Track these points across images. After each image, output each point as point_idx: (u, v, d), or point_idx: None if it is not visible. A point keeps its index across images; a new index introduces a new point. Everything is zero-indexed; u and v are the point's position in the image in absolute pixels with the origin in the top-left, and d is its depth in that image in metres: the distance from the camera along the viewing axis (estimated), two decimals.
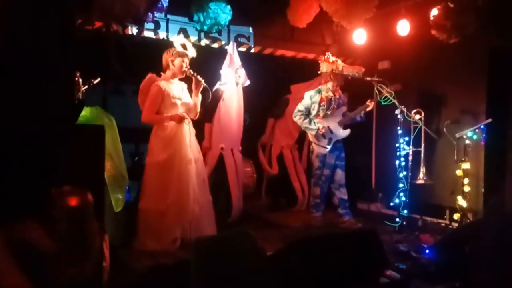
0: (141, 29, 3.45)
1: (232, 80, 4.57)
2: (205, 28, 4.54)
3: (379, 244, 2.78)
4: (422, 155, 4.40)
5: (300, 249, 2.51)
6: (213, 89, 4.44)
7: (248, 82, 4.70)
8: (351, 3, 4.26)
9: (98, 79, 3.60)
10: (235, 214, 4.59)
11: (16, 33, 2.11)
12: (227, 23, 4.60)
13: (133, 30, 4.05)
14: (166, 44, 3.97)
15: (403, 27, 4.79)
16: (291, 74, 5.84)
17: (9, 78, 2.05)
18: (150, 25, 4.50)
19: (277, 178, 5.55)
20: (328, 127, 4.61)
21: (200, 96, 3.86)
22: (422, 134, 4.39)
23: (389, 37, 5.01)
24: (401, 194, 4.47)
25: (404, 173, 4.48)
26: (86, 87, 3.38)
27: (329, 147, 4.60)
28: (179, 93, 3.82)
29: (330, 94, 4.65)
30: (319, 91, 4.67)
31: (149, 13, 3.42)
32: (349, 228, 4.52)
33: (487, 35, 4.18)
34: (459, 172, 4.30)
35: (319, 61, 4.72)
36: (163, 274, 2.93)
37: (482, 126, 4.21)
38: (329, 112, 4.65)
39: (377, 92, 4.50)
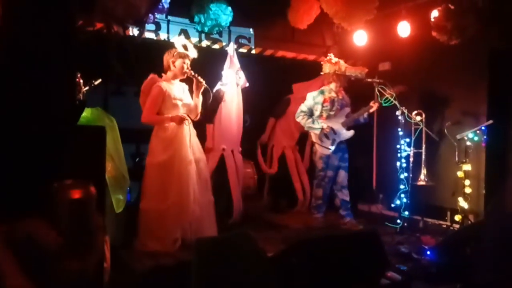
0: (142, 30, 3.46)
1: (233, 81, 4.58)
2: (206, 29, 4.55)
3: (380, 245, 2.77)
4: (423, 157, 4.40)
5: (301, 250, 2.50)
6: (214, 90, 4.45)
7: (247, 84, 4.70)
8: (351, 4, 4.26)
9: (99, 80, 3.60)
10: (236, 215, 4.58)
11: (17, 34, 2.12)
12: (227, 24, 4.61)
13: (134, 31, 4.06)
14: (167, 45, 3.98)
15: (404, 29, 4.80)
16: (291, 75, 5.84)
17: (10, 79, 2.05)
18: (151, 26, 4.51)
19: (279, 178, 5.54)
20: (331, 128, 4.60)
21: (201, 97, 3.86)
22: (423, 135, 4.39)
23: (390, 38, 5.01)
24: (402, 195, 4.47)
25: (405, 174, 4.48)
26: (87, 88, 3.39)
27: (332, 148, 4.60)
28: (180, 94, 3.82)
29: (333, 95, 4.64)
30: (322, 92, 4.67)
31: (150, 14, 3.42)
32: (350, 230, 4.51)
33: (488, 36, 4.19)
34: (460, 174, 4.30)
35: (322, 62, 4.71)
36: (164, 274, 2.93)
37: (483, 128, 4.20)
38: (332, 113, 4.64)
39: (378, 94, 4.50)
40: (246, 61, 4.93)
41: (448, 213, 4.64)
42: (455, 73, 4.64)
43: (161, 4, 3.61)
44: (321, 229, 4.57)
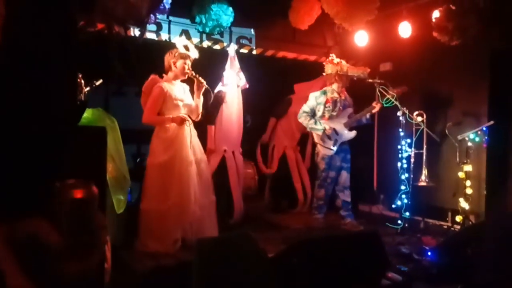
0: (143, 30, 3.46)
1: (234, 82, 4.58)
2: (207, 29, 4.55)
3: (380, 246, 2.77)
4: (424, 157, 4.39)
5: (301, 251, 2.50)
6: (216, 91, 4.45)
7: (247, 85, 4.71)
8: (352, 5, 4.26)
9: (100, 81, 3.61)
10: (237, 216, 4.59)
11: (18, 35, 2.12)
12: (229, 25, 4.61)
13: (135, 31, 4.06)
14: (168, 46, 3.98)
15: (405, 29, 4.79)
16: (292, 76, 5.84)
17: (11, 79, 2.05)
18: (152, 27, 4.51)
19: (280, 179, 5.55)
20: (333, 128, 4.60)
21: (201, 97, 3.87)
22: (424, 136, 4.39)
23: (391, 39, 5.01)
24: (403, 196, 4.46)
25: (406, 175, 4.47)
26: (88, 88, 3.39)
27: (334, 148, 4.59)
28: (181, 94, 3.83)
29: (336, 95, 4.64)
30: (325, 92, 4.67)
31: (151, 15, 3.42)
32: (351, 230, 4.51)
33: (489, 37, 4.18)
34: (461, 174, 4.29)
35: (324, 63, 4.71)
36: (165, 275, 2.93)
37: (484, 128, 4.20)
38: (334, 113, 4.64)
39: (379, 94, 4.49)
40: (247, 61, 4.93)
41: (449, 214, 4.64)
42: (456, 74, 4.64)
43: (162, 4, 3.62)
44: (321, 230, 4.57)
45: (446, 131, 4.42)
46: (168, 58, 3.80)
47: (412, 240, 4.09)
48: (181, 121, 3.70)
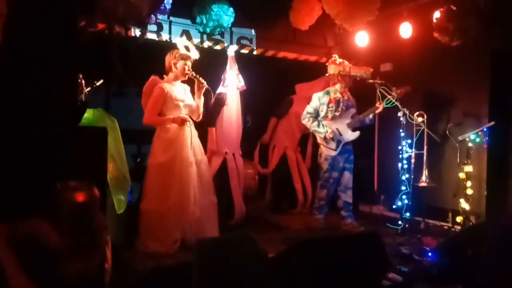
0: (144, 31, 3.46)
1: (234, 84, 4.59)
2: (208, 30, 4.55)
3: (381, 246, 2.77)
4: (425, 158, 4.39)
5: (302, 251, 2.50)
6: (217, 93, 4.46)
7: (244, 87, 4.71)
8: (353, 5, 4.26)
9: (101, 81, 3.61)
10: (238, 217, 4.59)
11: (19, 35, 2.12)
12: (229, 25, 4.61)
13: (136, 32, 4.06)
14: (169, 46, 3.98)
15: (406, 30, 4.79)
16: (293, 76, 5.84)
17: (12, 79, 2.06)
18: (153, 27, 4.51)
19: (280, 179, 5.55)
20: (337, 129, 4.59)
21: (202, 98, 3.87)
22: (425, 136, 4.38)
23: (392, 39, 5.01)
24: (404, 196, 4.46)
25: (407, 175, 4.47)
26: (88, 89, 3.40)
27: (338, 149, 4.58)
28: (182, 95, 3.83)
29: (339, 95, 4.63)
30: (328, 93, 4.66)
31: (152, 15, 3.42)
32: (351, 231, 4.51)
33: (490, 37, 4.18)
34: (461, 175, 4.28)
35: (327, 64, 4.70)
36: (165, 275, 2.93)
37: (485, 129, 4.20)
38: (337, 114, 4.63)
39: (380, 95, 4.49)
40: (247, 62, 4.93)
41: (450, 215, 4.63)
42: (457, 74, 4.63)
43: (163, 5, 3.62)
44: (322, 230, 4.57)
45: (447, 132, 4.42)
46: (168, 59, 3.81)
47: (412, 240, 4.09)
48: (181, 122, 3.70)
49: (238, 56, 4.87)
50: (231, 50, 4.67)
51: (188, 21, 4.75)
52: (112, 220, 3.26)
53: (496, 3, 4.00)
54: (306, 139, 5.68)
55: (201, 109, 3.89)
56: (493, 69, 4.34)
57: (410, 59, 4.92)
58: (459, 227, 4.26)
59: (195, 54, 3.80)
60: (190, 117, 3.84)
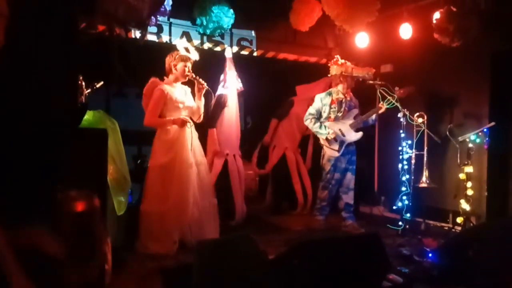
0: (144, 32, 3.46)
1: (234, 85, 4.59)
2: (208, 31, 4.56)
3: (381, 247, 2.76)
4: (425, 159, 4.39)
5: (302, 253, 2.50)
6: (217, 95, 4.46)
7: (242, 88, 4.71)
8: (353, 7, 4.26)
9: (101, 83, 3.61)
10: (238, 218, 4.60)
11: (19, 36, 2.12)
12: (229, 26, 4.62)
13: (136, 33, 4.07)
14: (169, 48, 3.99)
15: (406, 31, 4.79)
16: (293, 77, 5.85)
17: (12, 81, 2.06)
18: (153, 29, 4.52)
19: (281, 180, 5.55)
20: (340, 130, 4.58)
21: (203, 99, 3.87)
22: (425, 137, 4.38)
23: (392, 40, 5.01)
24: (404, 197, 4.46)
25: (407, 176, 4.47)
26: (89, 90, 3.40)
27: (341, 150, 4.57)
28: (182, 96, 3.83)
29: (341, 96, 4.62)
30: (330, 94, 4.65)
31: (152, 17, 3.43)
32: (352, 232, 4.50)
33: (490, 38, 4.18)
34: (462, 176, 4.28)
35: (329, 64, 4.70)
36: (165, 276, 2.93)
37: (485, 130, 4.19)
38: (340, 114, 4.61)
39: (380, 96, 4.49)
40: (247, 63, 4.93)
41: (450, 215, 4.63)
42: (457, 75, 4.63)
43: (163, 6, 3.63)
44: (322, 232, 4.57)
45: (447, 133, 4.41)
46: (168, 61, 3.81)
47: (413, 241, 4.08)
48: (182, 123, 3.70)
49: (238, 58, 4.87)
50: (229, 51, 4.67)
51: (188, 23, 4.76)
52: (112, 221, 3.26)
53: (497, 4, 4.01)
54: (307, 140, 5.68)
55: (202, 111, 3.89)
56: (493, 70, 4.34)
57: (410, 60, 4.93)
58: (459, 228, 4.25)
59: (195, 56, 3.80)
60: (191, 118, 3.84)
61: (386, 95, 4.43)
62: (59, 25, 2.28)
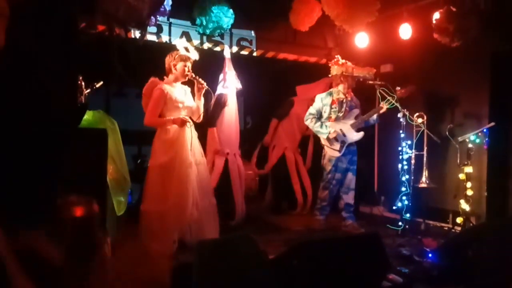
0: (143, 32, 3.46)
1: (234, 85, 4.60)
2: (208, 31, 4.56)
3: (381, 248, 2.76)
4: (425, 159, 4.39)
5: (302, 253, 2.50)
6: (217, 94, 4.47)
7: (240, 87, 4.72)
8: (353, 7, 4.26)
9: (101, 83, 3.61)
10: (238, 218, 4.59)
11: (19, 36, 2.12)
12: (229, 26, 4.62)
13: (135, 33, 4.07)
14: (169, 48, 3.99)
15: (405, 31, 4.80)
16: (293, 77, 5.85)
17: (12, 81, 2.05)
18: (153, 29, 4.52)
19: (280, 180, 5.55)
20: (340, 130, 4.58)
21: (202, 99, 3.87)
22: (425, 137, 4.38)
23: (391, 40, 5.01)
24: (404, 197, 4.46)
25: (407, 176, 4.47)
26: (88, 90, 3.40)
27: (342, 150, 4.56)
28: (182, 96, 3.83)
29: (342, 96, 4.61)
30: (330, 94, 4.65)
31: (152, 17, 3.43)
32: (351, 232, 4.50)
33: (490, 38, 4.18)
34: (462, 176, 4.28)
35: (330, 64, 4.70)
36: (165, 277, 2.92)
37: (485, 130, 4.19)
38: (340, 115, 4.60)
39: (380, 96, 4.49)
40: (247, 63, 4.93)
41: (450, 215, 4.63)
42: (457, 75, 4.63)
43: (163, 6, 3.63)
44: (322, 232, 4.57)
45: (447, 133, 4.41)
46: (168, 60, 3.80)
47: (412, 241, 4.09)
48: (181, 123, 3.70)
49: (238, 58, 4.87)
50: (227, 51, 4.68)
51: (188, 23, 4.76)
52: (112, 221, 3.26)
53: (496, 4, 4.01)
54: (308, 140, 5.68)
55: (201, 110, 3.89)
56: (493, 70, 4.34)
57: (410, 60, 4.93)
58: (459, 228, 4.26)
59: (194, 55, 3.80)
60: (191, 118, 3.84)
61: (386, 95, 4.42)
62: (59, 25, 2.27)
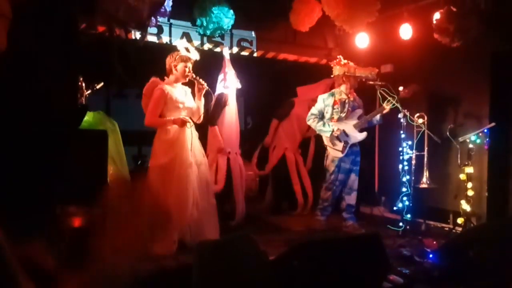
0: (144, 33, 3.47)
1: (234, 84, 4.60)
2: (208, 32, 4.56)
3: (382, 248, 2.76)
4: (425, 159, 4.38)
5: (302, 253, 2.50)
6: (217, 94, 4.47)
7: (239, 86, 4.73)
8: (353, 7, 4.26)
9: (101, 84, 3.62)
10: (239, 218, 4.59)
11: (19, 37, 2.12)
12: (229, 27, 4.62)
13: (136, 34, 4.08)
14: (169, 49, 3.99)
15: (406, 31, 4.79)
16: (293, 78, 5.85)
17: (12, 82, 2.06)
18: (153, 30, 4.53)
19: (281, 180, 5.55)
20: (343, 130, 4.57)
21: (203, 99, 3.88)
22: (425, 138, 4.38)
23: (392, 41, 5.01)
24: (404, 198, 4.45)
25: (407, 177, 4.46)
26: (89, 91, 3.40)
27: (345, 151, 4.55)
28: (182, 97, 3.83)
29: (344, 96, 4.59)
30: (332, 94, 4.63)
31: (152, 18, 3.43)
32: (352, 233, 4.50)
33: (490, 38, 4.17)
34: (462, 176, 4.28)
35: (332, 65, 4.68)
36: (165, 277, 2.92)
37: (485, 130, 4.19)
38: (343, 115, 4.58)
39: (380, 96, 4.49)
40: (248, 63, 4.93)
41: (451, 216, 4.63)
42: (457, 75, 4.63)
43: (163, 7, 3.63)
44: (322, 232, 4.56)
45: (447, 133, 4.40)
46: (169, 61, 3.81)
47: (413, 242, 4.08)
48: (182, 123, 3.70)
49: (238, 58, 4.87)
50: (226, 52, 4.68)
51: (188, 24, 4.77)
52: None
53: (497, 4, 4.00)
54: (309, 141, 5.67)
55: (202, 111, 3.90)
56: (493, 70, 4.34)
57: (410, 60, 4.92)
58: (460, 229, 4.25)
59: (195, 56, 3.80)
60: (191, 118, 3.84)
61: (387, 95, 4.42)
62: (59, 25, 2.28)
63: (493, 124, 4.14)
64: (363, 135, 4.59)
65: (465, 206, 4.24)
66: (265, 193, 5.73)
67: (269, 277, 2.29)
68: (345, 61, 4.58)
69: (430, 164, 4.41)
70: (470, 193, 4.24)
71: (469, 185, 4.24)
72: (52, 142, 2.13)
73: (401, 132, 4.51)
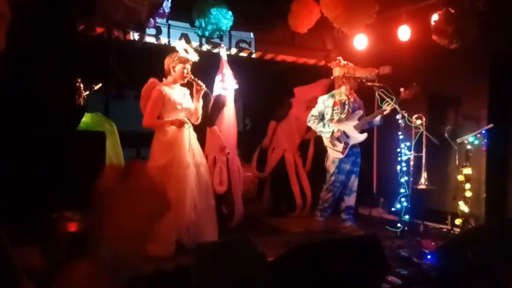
0: (142, 35, 3.47)
1: (232, 85, 4.60)
2: (207, 33, 4.56)
3: (380, 249, 2.76)
4: (424, 160, 4.39)
5: (301, 255, 2.50)
6: (216, 95, 4.47)
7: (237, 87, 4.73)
8: (351, 9, 4.27)
9: (100, 85, 3.61)
10: (237, 220, 4.59)
11: (18, 38, 2.12)
12: (228, 28, 4.62)
13: (134, 35, 4.07)
14: (168, 50, 3.99)
15: (404, 33, 4.80)
16: (291, 79, 5.85)
17: (11, 83, 2.05)
18: (152, 31, 4.52)
19: (279, 182, 5.55)
20: (343, 131, 4.57)
21: (201, 100, 3.87)
22: (424, 139, 4.38)
23: (390, 42, 5.02)
24: (403, 199, 4.46)
25: (406, 178, 4.47)
26: (87, 92, 3.40)
27: (345, 152, 4.55)
28: (181, 98, 3.83)
29: (344, 97, 4.59)
30: (332, 95, 4.63)
31: (151, 19, 3.43)
32: (351, 234, 4.50)
33: (489, 40, 4.19)
34: (460, 177, 4.29)
35: (332, 66, 4.68)
36: (164, 279, 2.92)
37: (483, 131, 4.20)
38: (343, 116, 4.58)
39: (378, 98, 4.49)
40: (246, 65, 4.93)
41: (449, 217, 4.63)
42: (456, 77, 4.63)
43: (161, 8, 3.63)
44: (321, 233, 4.56)
45: (446, 134, 4.41)
46: (167, 62, 3.80)
47: (411, 243, 4.08)
48: (180, 124, 3.70)
49: (237, 60, 4.87)
50: (224, 52, 4.68)
51: (187, 25, 4.77)
52: None
53: (495, 6, 4.01)
54: (309, 143, 5.67)
55: (200, 112, 3.89)
56: (492, 71, 4.35)
57: (408, 62, 4.93)
58: (458, 230, 4.26)
59: (194, 57, 3.80)
60: (189, 119, 3.84)
61: (385, 97, 4.42)
62: (58, 27, 2.28)
63: (491, 125, 4.15)
64: (364, 136, 4.58)
65: (463, 207, 4.24)
66: (263, 194, 5.72)
67: (268, 279, 2.29)
68: (345, 62, 4.58)
69: (428, 165, 4.42)
70: (468, 194, 4.25)
71: (467, 186, 4.25)
72: (49, 143, 2.12)
73: (399, 133, 4.51)
